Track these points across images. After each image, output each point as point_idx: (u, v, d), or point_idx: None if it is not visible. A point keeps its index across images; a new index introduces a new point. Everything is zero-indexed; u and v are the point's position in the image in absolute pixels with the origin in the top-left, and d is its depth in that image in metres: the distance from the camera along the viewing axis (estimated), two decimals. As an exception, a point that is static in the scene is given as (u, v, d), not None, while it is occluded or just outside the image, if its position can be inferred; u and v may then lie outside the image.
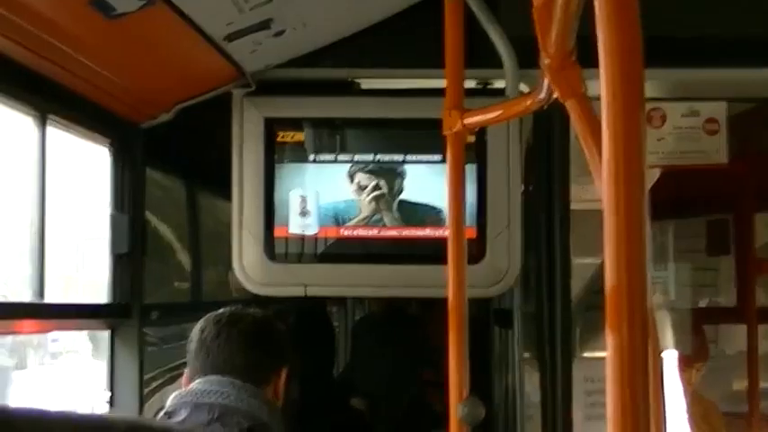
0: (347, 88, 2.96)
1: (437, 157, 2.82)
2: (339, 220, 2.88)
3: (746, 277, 4.22)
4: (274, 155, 2.88)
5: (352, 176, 2.88)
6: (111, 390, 2.87)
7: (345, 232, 2.88)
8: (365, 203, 2.87)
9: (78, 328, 4.60)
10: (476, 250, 2.77)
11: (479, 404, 2.20)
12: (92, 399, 4.94)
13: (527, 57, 2.14)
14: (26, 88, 2.29)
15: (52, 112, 2.42)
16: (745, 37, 2.79)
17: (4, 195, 3.60)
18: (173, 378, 3.17)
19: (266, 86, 2.88)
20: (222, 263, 3.15)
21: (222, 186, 2.98)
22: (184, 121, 2.87)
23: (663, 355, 2.97)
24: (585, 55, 1.24)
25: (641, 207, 0.92)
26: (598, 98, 0.95)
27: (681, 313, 4.36)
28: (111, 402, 2.87)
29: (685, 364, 3.74)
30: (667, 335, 4.03)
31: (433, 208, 2.86)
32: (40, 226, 2.38)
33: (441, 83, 2.36)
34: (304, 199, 2.87)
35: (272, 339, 2.18)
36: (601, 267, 0.97)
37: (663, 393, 1.67)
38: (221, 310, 2.18)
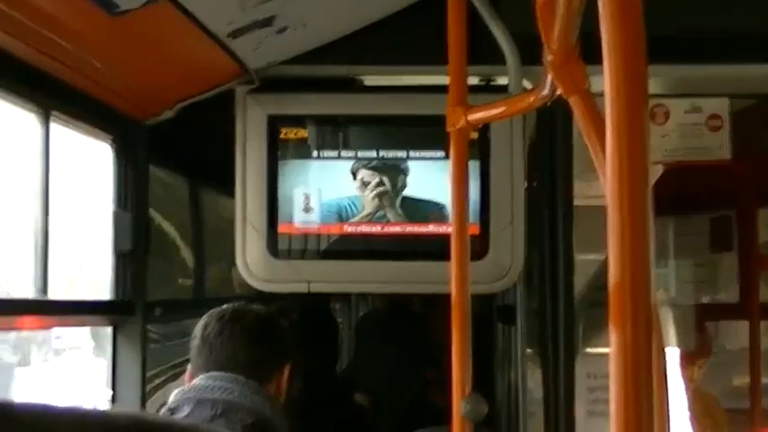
0: (350, 85, 2.96)
1: (440, 154, 2.82)
2: (342, 217, 2.87)
3: (749, 274, 4.22)
4: (277, 152, 2.88)
5: (355, 173, 2.88)
6: (114, 386, 2.87)
7: (348, 229, 2.88)
8: (368, 200, 2.87)
9: (81, 325, 4.60)
10: (479, 247, 2.77)
11: (482, 401, 2.20)
12: (95, 395, 4.94)
13: (530, 53, 2.13)
14: (29, 85, 2.29)
15: (55, 109, 2.43)
16: (748, 33, 2.79)
17: (6, 193, 3.60)
18: (176, 375, 3.17)
19: (269, 83, 2.88)
20: (225, 259, 3.15)
21: (225, 183, 2.98)
22: (187, 119, 2.87)
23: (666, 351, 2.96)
24: (589, 51, 1.24)
25: (645, 203, 0.92)
26: (601, 94, 0.95)
27: (682, 310, 4.36)
28: (114, 399, 2.87)
29: (687, 360, 3.75)
30: (669, 332, 4.03)
31: (437, 204, 2.86)
32: (44, 223, 2.38)
33: (444, 79, 2.35)
34: (307, 196, 2.87)
35: (276, 336, 2.18)
36: (604, 264, 0.97)
37: (666, 390, 1.67)
38: (224, 307, 2.18)
